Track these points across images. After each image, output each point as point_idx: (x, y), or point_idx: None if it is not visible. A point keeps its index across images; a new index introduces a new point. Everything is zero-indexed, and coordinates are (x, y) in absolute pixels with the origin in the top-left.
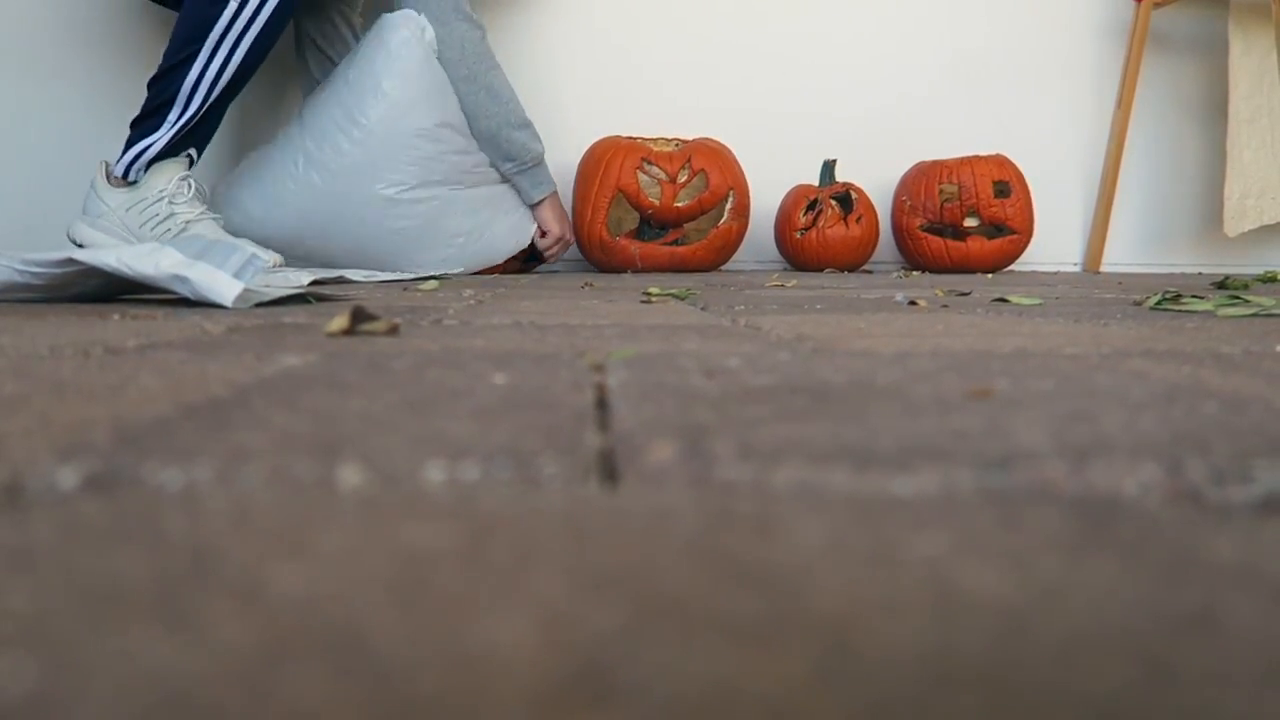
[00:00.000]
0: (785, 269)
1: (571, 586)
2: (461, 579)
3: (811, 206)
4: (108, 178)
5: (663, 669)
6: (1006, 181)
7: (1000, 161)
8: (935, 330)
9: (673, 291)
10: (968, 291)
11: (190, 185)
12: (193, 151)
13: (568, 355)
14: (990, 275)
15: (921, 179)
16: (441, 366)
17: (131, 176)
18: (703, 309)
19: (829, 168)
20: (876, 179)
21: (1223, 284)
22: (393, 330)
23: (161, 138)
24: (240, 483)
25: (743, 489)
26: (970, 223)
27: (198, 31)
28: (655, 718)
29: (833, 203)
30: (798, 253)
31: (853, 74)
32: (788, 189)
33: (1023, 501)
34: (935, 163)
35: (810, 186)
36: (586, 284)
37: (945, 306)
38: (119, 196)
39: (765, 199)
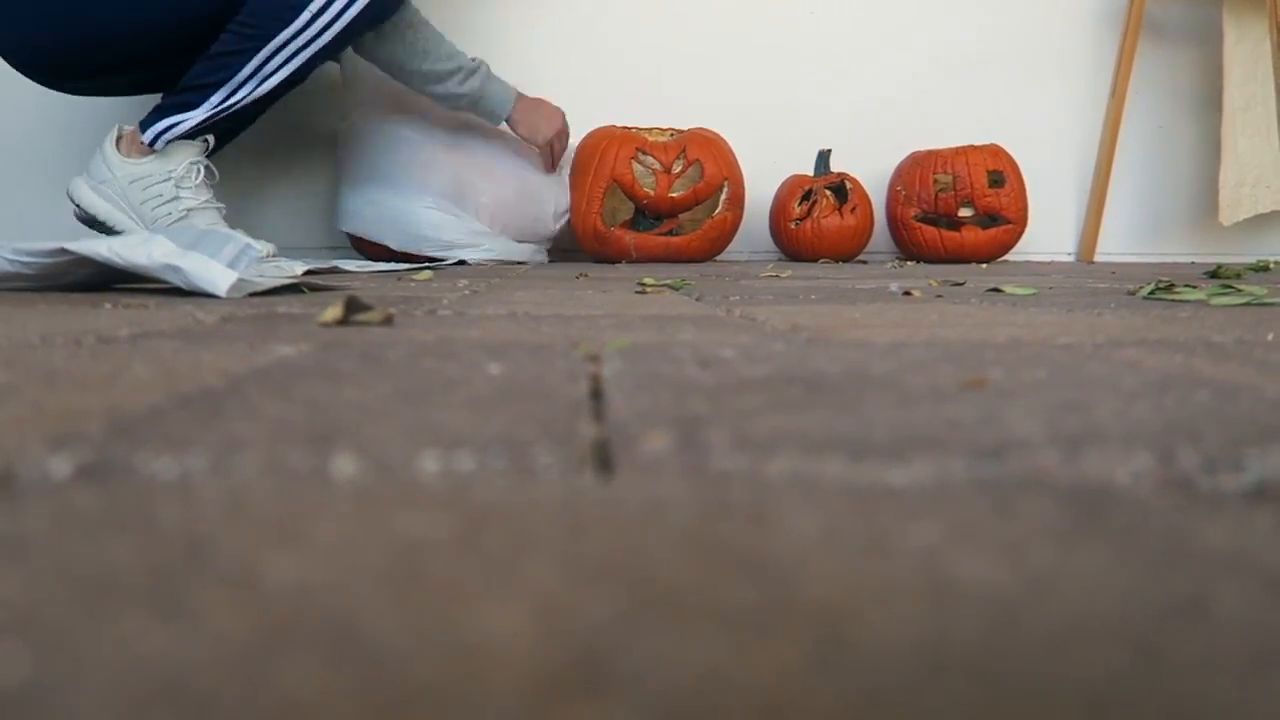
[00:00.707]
0: (780, 259)
1: (566, 576)
2: (456, 569)
3: (806, 197)
4: (118, 143)
5: (658, 658)
6: (1001, 171)
7: (995, 151)
8: (929, 320)
9: (668, 282)
10: (962, 281)
11: (199, 171)
12: (210, 137)
13: (563, 346)
14: (984, 265)
15: (916, 169)
16: (436, 357)
17: (158, 146)
18: (698, 299)
19: (824, 158)
20: (871, 169)
21: (1215, 273)
22: (387, 320)
23: (197, 115)
24: (234, 472)
25: (737, 479)
26: (965, 213)
27: (267, 28)
28: (650, 706)
29: (827, 193)
30: (792, 243)
31: (847, 64)
32: (783, 179)
33: (1016, 491)
34: (930, 153)
35: (805, 177)
36: (581, 274)
37: (939, 296)
38: (126, 168)
39: (760, 189)
